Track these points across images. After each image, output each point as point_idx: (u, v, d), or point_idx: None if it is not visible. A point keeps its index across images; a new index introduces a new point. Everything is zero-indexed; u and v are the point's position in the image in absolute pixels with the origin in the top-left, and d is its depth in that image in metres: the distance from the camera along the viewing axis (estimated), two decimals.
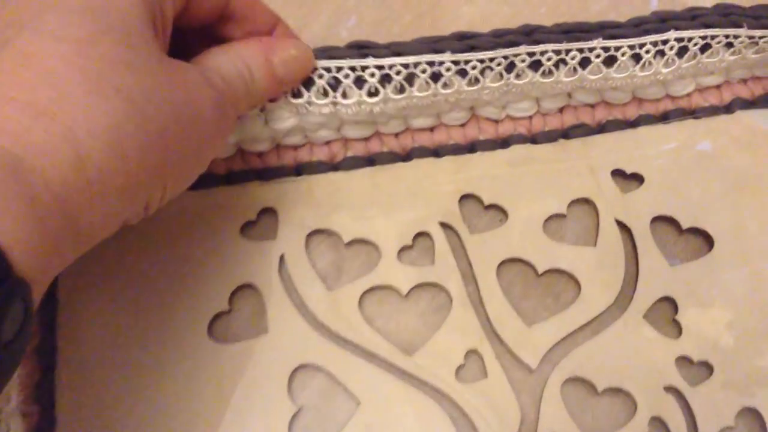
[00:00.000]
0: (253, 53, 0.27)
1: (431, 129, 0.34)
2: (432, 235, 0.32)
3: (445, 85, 0.31)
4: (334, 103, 0.30)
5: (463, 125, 0.34)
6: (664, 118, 0.35)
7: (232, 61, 0.26)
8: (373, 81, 0.30)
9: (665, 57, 0.32)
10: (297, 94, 0.30)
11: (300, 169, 0.33)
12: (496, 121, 0.34)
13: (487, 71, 0.31)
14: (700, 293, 0.31)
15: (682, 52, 0.32)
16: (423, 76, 0.30)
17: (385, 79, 0.30)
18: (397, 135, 0.34)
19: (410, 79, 0.30)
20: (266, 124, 0.31)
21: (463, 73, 0.31)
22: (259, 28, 0.29)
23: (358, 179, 0.33)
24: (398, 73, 0.30)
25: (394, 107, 0.31)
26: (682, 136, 0.34)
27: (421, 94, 0.31)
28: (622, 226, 0.32)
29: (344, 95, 0.30)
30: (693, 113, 0.35)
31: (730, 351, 0.30)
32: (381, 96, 0.30)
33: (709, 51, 0.32)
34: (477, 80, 0.31)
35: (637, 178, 0.34)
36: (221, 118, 0.25)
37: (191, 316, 0.30)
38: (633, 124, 0.35)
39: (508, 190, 0.33)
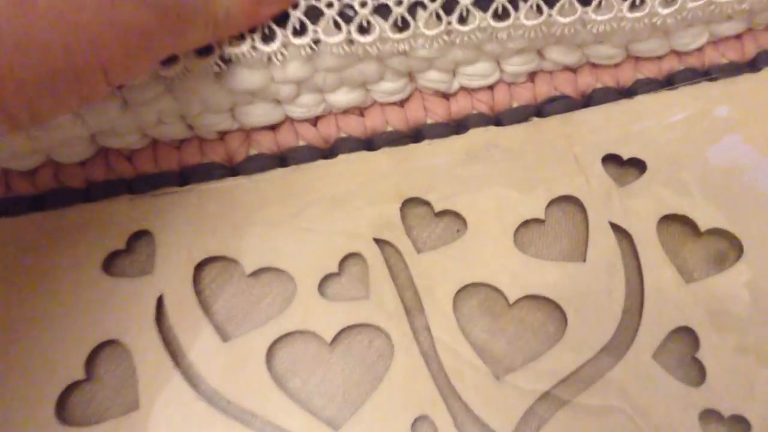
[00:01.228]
0: None
1: (360, 111, 0.26)
2: (365, 256, 0.24)
3: (362, 29, 0.22)
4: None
5: (402, 103, 0.26)
6: (669, 82, 0.26)
7: None
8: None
9: None
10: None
11: (186, 176, 0.25)
12: (447, 96, 0.26)
13: (419, 10, 0.22)
14: (727, 320, 0.23)
15: None
16: (328, 12, 0.21)
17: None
18: (316, 121, 0.25)
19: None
20: (172, 96, 0.23)
21: (384, 12, 0.22)
22: None
23: (265, 186, 0.25)
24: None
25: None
26: (693, 105, 0.26)
27: (331, 39, 0.22)
28: (620, 232, 0.24)
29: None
30: (707, 74, 0.26)
31: None
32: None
33: None
34: (405, 23, 0.22)
35: (638, 165, 0.25)
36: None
37: (34, 389, 0.22)
38: (628, 92, 0.26)
39: (467, 189, 0.25)
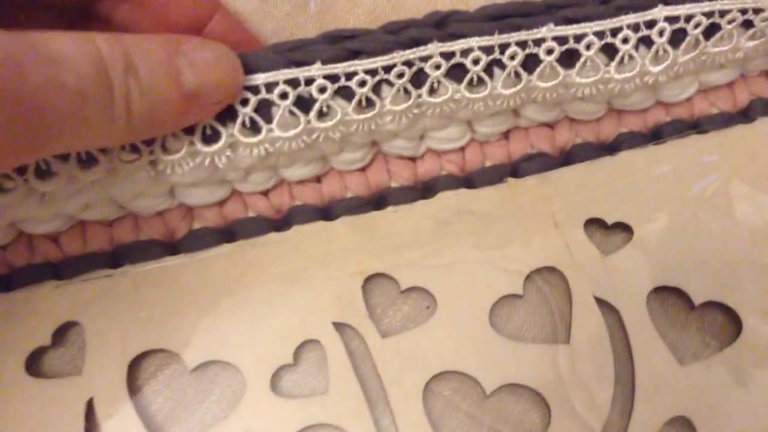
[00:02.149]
0: (147, 44, 0.17)
1: (317, 178, 0.23)
2: (323, 344, 0.21)
3: (321, 114, 0.20)
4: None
5: (364, 168, 0.23)
6: (656, 136, 0.24)
7: (85, 44, 0.16)
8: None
9: (653, 48, 0.21)
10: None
11: (119, 256, 0.22)
12: (413, 159, 0.23)
13: (384, 86, 0.20)
14: (729, 408, 0.21)
15: (677, 38, 0.21)
16: (283, 103, 0.19)
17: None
18: (267, 192, 0.23)
19: (264, 110, 0.19)
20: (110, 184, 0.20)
21: (346, 93, 0.20)
22: (180, 20, 0.20)
23: (210, 265, 0.22)
24: (244, 102, 0.19)
25: (246, 157, 0.20)
26: (680, 157, 0.24)
27: (285, 134, 0.20)
28: (607, 306, 0.22)
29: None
30: (696, 125, 0.24)
31: None
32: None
33: (719, 35, 0.21)
34: (369, 102, 0.20)
35: (624, 229, 0.23)
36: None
37: None
38: (611, 148, 0.24)
39: (436, 263, 0.22)
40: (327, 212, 0.23)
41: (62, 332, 0.21)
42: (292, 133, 0.20)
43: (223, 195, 0.22)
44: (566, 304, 0.22)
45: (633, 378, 0.21)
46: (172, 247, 0.22)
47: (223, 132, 0.19)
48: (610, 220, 0.23)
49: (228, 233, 0.22)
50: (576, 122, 0.24)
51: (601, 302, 0.22)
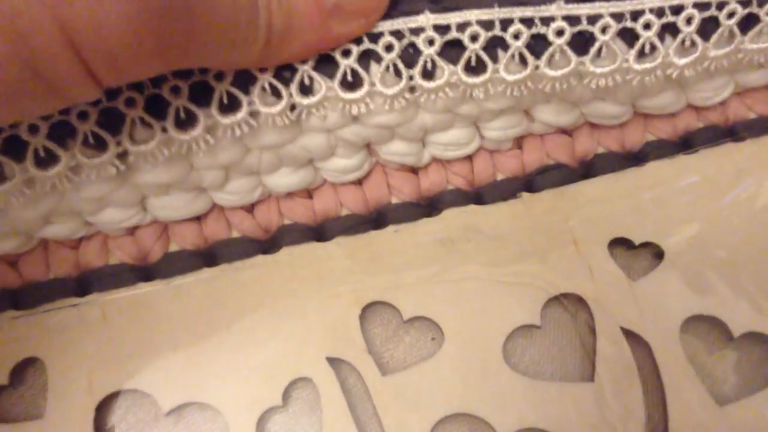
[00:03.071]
0: None
1: (308, 193, 0.21)
2: (316, 382, 0.19)
3: (304, 88, 0.17)
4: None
5: (360, 182, 0.21)
6: (686, 144, 0.22)
7: None
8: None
9: (679, 37, 0.18)
10: (186, 122, 0.17)
11: (87, 283, 0.20)
12: (415, 170, 0.21)
13: (373, 64, 0.17)
14: None
15: (708, 29, 0.19)
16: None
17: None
18: (252, 207, 0.20)
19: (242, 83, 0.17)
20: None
21: (329, 66, 0.17)
22: None
23: (188, 293, 0.19)
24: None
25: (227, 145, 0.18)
26: (712, 167, 0.21)
27: (271, 110, 0.17)
28: (635, 339, 0.19)
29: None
30: (732, 132, 0.22)
31: None
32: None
33: (757, 28, 0.19)
34: (357, 79, 0.17)
35: (653, 250, 0.21)
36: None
37: None
38: (637, 158, 0.22)
39: (443, 289, 0.20)
40: (320, 232, 0.20)
41: (21, 370, 0.19)
42: (275, 109, 0.17)
43: (201, 207, 0.20)
44: (589, 336, 0.19)
45: (666, 420, 0.19)
46: (145, 271, 0.20)
47: (200, 114, 0.17)
48: (637, 240, 0.20)
49: (209, 256, 0.20)
50: (598, 128, 0.21)
51: (629, 334, 0.19)
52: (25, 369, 0.19)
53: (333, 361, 0.19)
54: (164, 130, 0.17)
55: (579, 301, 0.20)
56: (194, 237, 0.20)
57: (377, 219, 0.21)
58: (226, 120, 0.17)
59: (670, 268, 0.20)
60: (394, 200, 0.21)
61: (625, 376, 0.19)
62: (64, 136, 0.16)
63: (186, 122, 0.17)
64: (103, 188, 0.18)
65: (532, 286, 0.20)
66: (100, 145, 0.16)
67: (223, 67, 0.16)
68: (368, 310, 0.20)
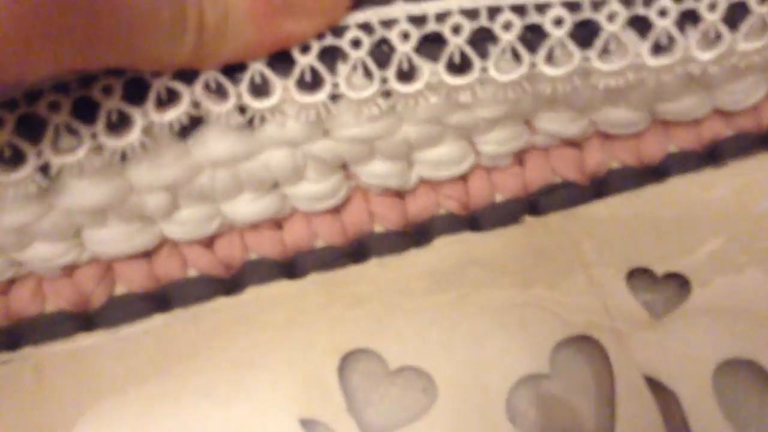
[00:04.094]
0: None
1: (277, 222, 0.18)
2: None
3: (256, 89, 0.14)
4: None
5: (338, 208, 0.18)
6: (713, 156, 0.19)
7: None
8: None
9: (701, 26, 0.15)
10: (118, 125, 0.14)
11: (18, 335, 0.17)
12: (401, 195, 0.18)
13: (339, 64, 0.15)
14: None
15: (737, 15, 0.16)
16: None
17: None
18: (212, 240, 0.18)
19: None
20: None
21: (285, 65, 0.15)
22: None
23: (136, 344, 0.17)
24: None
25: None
26: (743, 181, 0.19)
27: (219, 107, 0.14)
28: (659, 388, 0.17)
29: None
30: (766, 140, 0.19)
31: None
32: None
33: None
34: (316, 80, 0.15)
35: (679, 282, 0.18)
36: None
37: None
38: (657, 172, 0.19)
39: (433, 333, 0.17)
40: (292, 268, 0.18)
41: None
42: (223, 106, 0.14)
43: (147, 241, 0.17)
44: (607, 385, 0.17)
45: None
46: (87, 320, 0.17)
47: (135, 114, 0.14)
48: (659, 270, 0.17)
49: (161, 299, 0.17)
50: (611, 140, 0.18)
51: (653, 382, 0.17)
52: None
53: (307, 423, 0.16)
54: (94, 136, 0.14)
55: (593, 344, 0.17)
56: (143, 277, 0.17)
57: (357, 251, 0.18)
58: (166, 117, 0.14)
59: (699, 303, 0.17)
60: (377, 229, 0.18)
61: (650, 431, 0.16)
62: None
63: (119, 125, 0.14)
64: (26, 214, 0.15)
65: (539, 327, 0.17)
66: (18, 158, 0.14)
67: (150, 67, 0.14)
68: (348, 359, 0.17)
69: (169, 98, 0.14)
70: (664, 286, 0.18)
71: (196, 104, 0.14)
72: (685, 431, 0.16)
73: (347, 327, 0.17)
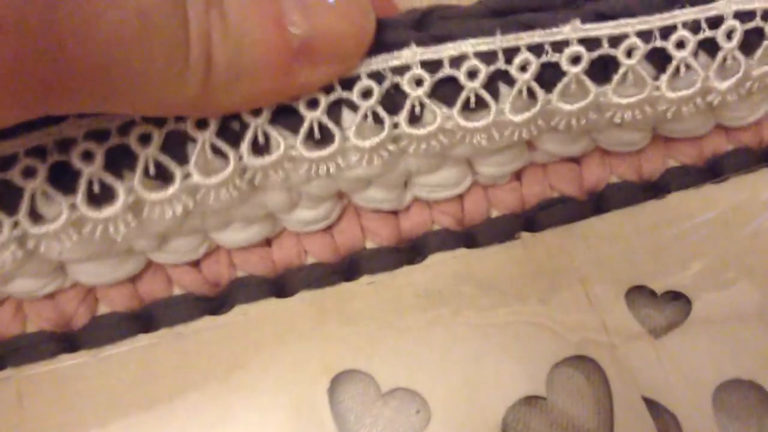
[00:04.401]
0: None
1: (267, 240, 0.17)
2: None
3: (257, 148, 0.14)
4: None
5: (330, 228, 0.17)
6: (713, 171, 0.18)
7: None
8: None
9: (719, 55, 0.15)
10: (100, 196, 0.13)
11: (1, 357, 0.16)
12: (394, 211, 0.18)
13: (345, 111, 0.14)
14: None
15: (751, 43, 0.15)
16: (204, 136, 0.13)
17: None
18: (198, 262, 0.17)
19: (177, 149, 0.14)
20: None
21: (289, 121, 0.14)
22: None
23: (119, 365, 0.16)
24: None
25: (158, 219, 0.14)
26: (743, 197, 0.18)
27: (209, 181, 0.14)
28: (658, 409, 0.16)
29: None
30: (767, 156, 0.18)
31: None
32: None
33: None
34: (325, 134, 0.14)
35: (679, 300, 0.17)
36: None
37: None
38: (657, 187, 0.18)
39: (426, 354, 0.17)
40: (280, 286, 0.17)
41: None
42: (218, 178, 0.14)
43: (132, 269, 0.16)
44: (605, 406, 0.16)
45: None
46: (69, 340, 0.16)
47: (119, 187, 0.13)
48: (659, 288, 0.17)
49: (145, 319, 0.17)
50: (610, 154, 0.18)
51: (652, 403, 0.16)
52: None
53: None
54: (73, 206, 0.13)
55: (592, 365, 0.16)
56: (126, 298, 0.17)
57: (349, 268, 0.17)
58: (155, 196, 0.13)
59: (699, 322, 0.17)
60: (369, 245, 0.18)
61: None
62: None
63: (100, 197, 0.13)
64: (7, 268, 0.14)
65: (535, 347, 0.17)
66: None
67: (147, 111, 0.13)
68: (339, 380, 0.17)
69: (159, 173, 0.13)
70: (663, 304, 0.17)
71: (189, 183, 0.14)
72: None
73: (338, 347, 0.16)
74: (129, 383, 0.16)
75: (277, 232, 0.17)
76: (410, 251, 0.17)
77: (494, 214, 0.18)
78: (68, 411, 0.16)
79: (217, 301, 0.17)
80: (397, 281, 0.17)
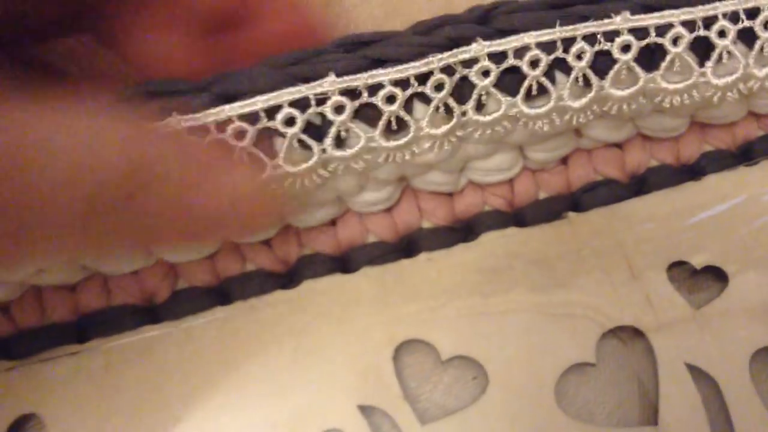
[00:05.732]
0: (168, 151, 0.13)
1: (331, 220, 0.19)
2: None
3: (339, 141, 0.15)
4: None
5: (390, 209, 0.19)
6: (745, 155, 0.19)
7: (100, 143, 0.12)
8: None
9: (757, 44, 0.16)
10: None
11: (86, 328, 0.17)
12: (450, 195, 0.19)
13: (417, 104, 0.15)
14: None
15: None
16: (290, 131, 0.15)
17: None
18: (269, 240, 0.18)
19: (265, 142, 0.15)
20: None
21: (369, 113, 0.15)
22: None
23: (199, 335, 0.17)
24: (241, 135, 0.15)
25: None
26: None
27: (294, 169, 0.15)
28: (700, 375, 0.17)
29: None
30: None
31: None
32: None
33: None
34: (401, 125, 0.15)
35: (716, 275, 0.19)
36: None
37: None
38: (693, 170, 0.19)
39: (483, 324, 0.18)
40: (345, 262, 0.18)
41: (18, 428, 0.17)
42: (303, 167, 0.15)
43: (212, 249, 0.18)
44: (651, 373, 0.18)
45: None
46: (152, 313, 0.18)
47: None
48: (698, 263, 0.18)
49: (221, 293, 0.18)
50: (650, 140, 0.19)
51: (694, 370, 0.17)
52: (22, 427, 0.17)
53: (366, 410, 0.17)
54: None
55: (637, 334, 0.18)
56: (205, 273, 0.18)
57: (407, 246, 0.19)
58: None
59: (736, 294, 0.18)
60: (426, 224, 0.19)
61: (692, 418, 0.17)
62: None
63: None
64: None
65: (584, 318, 0.18)
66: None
67: None
68: (401, 348, 0.18)
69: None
70: (702, 278, 0.18)
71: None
72: (725, 417, 0.17)
73: (401, 318, 0.18)
74: (208, 352, 0.17)
75: (342, 212, 0.18)
76: (464, 230, 0.19)
77: (542, 195, 0.19)
78: (153, 378, 0.17)
79: (286, 277, 0.18)
80: (452, 258, 0.18)
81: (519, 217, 0.19)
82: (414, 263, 0.18)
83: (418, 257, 0.18)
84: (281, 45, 0.16)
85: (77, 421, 0.17)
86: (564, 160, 0.19)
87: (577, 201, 0.19)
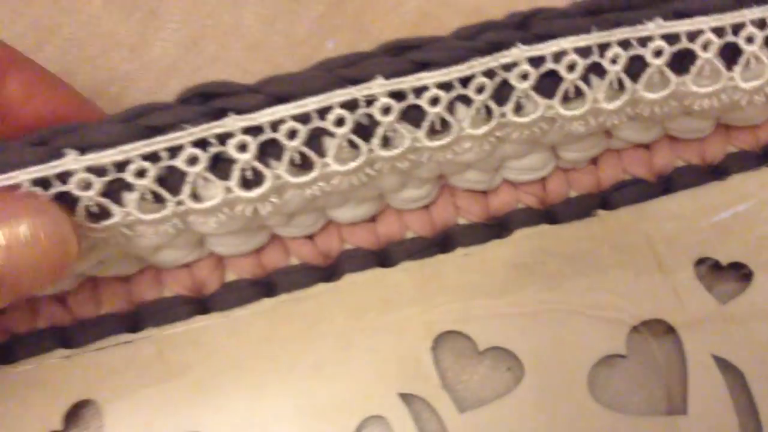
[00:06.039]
0: None
1: (372, 218, 0.19)
2: (389, 420, 0.18)
3: (385, 142, 0.16)
4: (180, 215, 0.16)
5: (427, 206, 0.20)
6: None
7: None
8: (244, 157, 0.15)
9: None
10: (252, 181, 0.16)
11: (140, 318, 0.18)
12: (485, 192, 0.20)
13: (459, 106, 0.16)
14: None
15: None
16: (341, 131, 0.16)
17: (267, 150, 0.16)
18: (312, 235, 0.19)
19: (315, 141, 0.16)
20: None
21: (414, 114, 0.16)
22: None
23: (247, 326, 0.18)
24: (292, 135, 0.16)
25: (295, 200, 0.17)
26: None
27: (343, 168, 0.16)
28: (727, 367, 0.18)
29: (195, 195, 0.16)
30: None
31: None
32: (267, 185, 0.16)
33: None
34: (444, 125, 0.16)
35: (741, 271, 0.19)
36: None
37: None
38: (718, 170, 0.20)
39: (518, 317, 0.19)
40: (384, 257, 0.19)
41: (75, 413, 0.18)
42: (351, 166, 0.16)
43: (260, 242, 0.18)
44: (679, 365, 0.18)
45: None
46: (202, 304, 0.19)
47: (268, 173, 0.15)
48: (724, 260, 0.19)
49: (267, 286, 0.19)
50: (677, 141, 0.20)
51: (721, 362, 0.18)
52: (79, 412, 0.18)
53: (406, 398, 0.18)
54: (229, 189, 0.16)
55: (666, 327, 0.18)
56: (252, 266, 0.19)
57: (444, 242, 0.19)
58: (296, 180, 0.16)
59: (760, 289, 0.19)
60: (461, 221, 0.20)
61: (719, 407, 0.18)
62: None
63: (252, 182, 0.16)
64: (162, 239, 0.17)
65: (615, 311, 0.18)
66: (159, 202, 0.16)
67: None
68: (439, 339, 0.19)
69: (303, 161, 0.16)
70: (728, 274, 0.19)
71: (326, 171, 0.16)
72: (750, 407, 0.18)
73: (438, 310, 0.19)
74: (256, 342, 0.18)
75: (380, 209, 0.19)
76: (498, 227, 0.20)
77: (573, 194, 0.20)
78: (203, 366, 0.18)
79: (328, 270, 0.19)
80: (487, 253, 0.19)
81: (551, 214, 0.20)
82: (450, 258, 0.19)
83: (455, 252, 0.19)
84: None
85: (131, 407, 0.18)
86: (594, 160, 0.20)
87: (606, 199, 0.20)
